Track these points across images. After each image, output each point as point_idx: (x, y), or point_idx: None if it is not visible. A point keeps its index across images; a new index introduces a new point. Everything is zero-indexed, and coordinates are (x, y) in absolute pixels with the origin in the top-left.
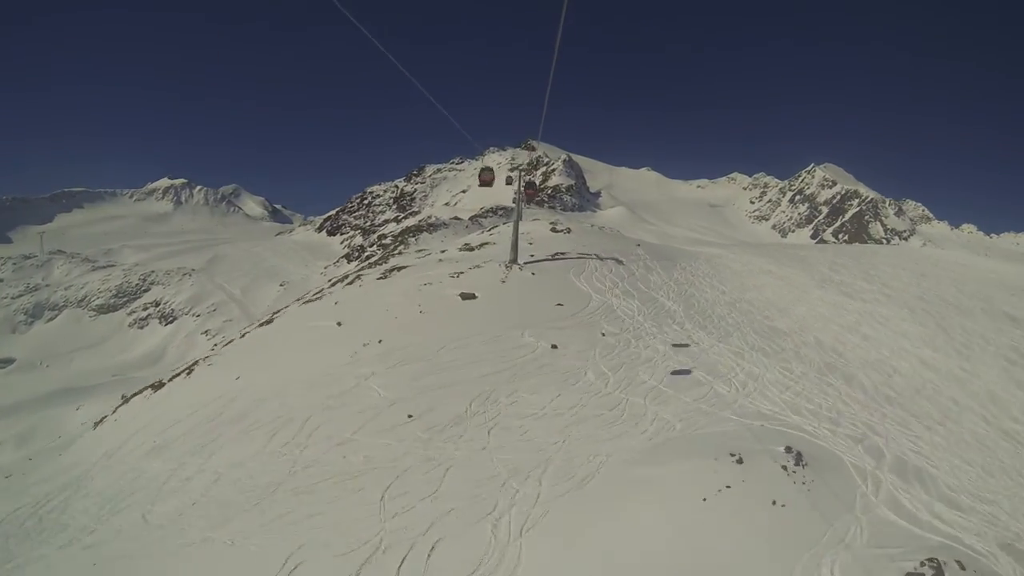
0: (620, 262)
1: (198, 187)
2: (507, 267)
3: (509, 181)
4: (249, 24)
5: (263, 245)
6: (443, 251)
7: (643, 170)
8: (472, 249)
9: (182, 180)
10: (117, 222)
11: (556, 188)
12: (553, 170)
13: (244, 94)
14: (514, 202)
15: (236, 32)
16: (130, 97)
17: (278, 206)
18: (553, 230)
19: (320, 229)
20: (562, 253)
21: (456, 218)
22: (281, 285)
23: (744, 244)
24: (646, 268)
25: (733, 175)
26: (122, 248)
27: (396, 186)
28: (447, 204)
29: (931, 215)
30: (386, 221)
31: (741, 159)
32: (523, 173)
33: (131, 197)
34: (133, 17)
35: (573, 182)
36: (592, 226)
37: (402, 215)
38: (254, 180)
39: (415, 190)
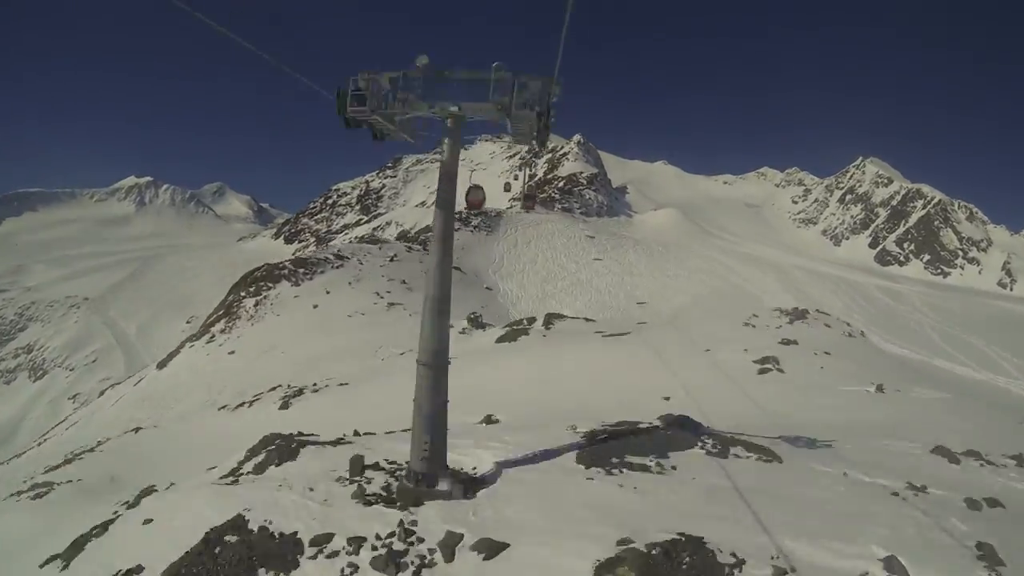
0: None
1: (164, 186)
2: None
3: (507, 187)
4: None
5: (202, 257)
6: None
7: (659, 164)
8: None
9: (147, 179)
10: (70, 226)
11: (573, 178)
12: (565, 155)
13: (246, 75)
14: None
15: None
16: (112, 82)
17: (265, 205)
18: None
19: (278, 235)
20: None
21: (377, 240)
22: (188, 321)
23: None
24: None
25: (763, 170)
26: (33, 264)
27: (366, 182)
28: (422, 204)
29: (985, 217)
30: (345, 227)
31: (753, 151)
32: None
33: (92, 198)
34: None
35: (596, 171)
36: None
37: (364, 218)
38: (246, 176)
39: (383, 186)
